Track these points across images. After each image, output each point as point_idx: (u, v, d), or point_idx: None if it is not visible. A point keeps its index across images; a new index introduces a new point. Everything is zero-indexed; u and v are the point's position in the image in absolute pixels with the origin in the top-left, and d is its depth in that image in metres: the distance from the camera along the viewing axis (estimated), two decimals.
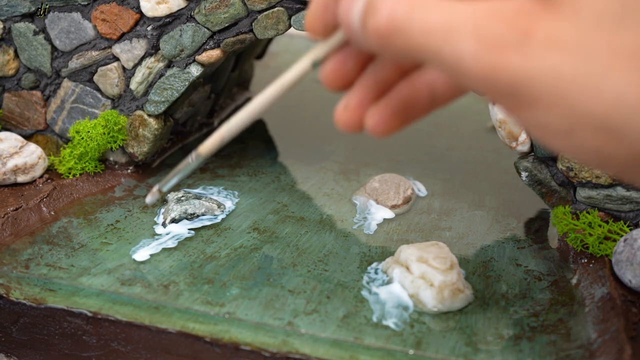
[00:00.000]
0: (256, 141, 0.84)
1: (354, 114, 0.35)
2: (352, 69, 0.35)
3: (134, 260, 0.58)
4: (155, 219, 0.65)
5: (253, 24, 0.65)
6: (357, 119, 0.35)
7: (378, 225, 0.65)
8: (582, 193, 0.60)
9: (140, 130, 0.70)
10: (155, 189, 0.52)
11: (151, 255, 0.59)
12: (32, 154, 0.67)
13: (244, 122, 0.40)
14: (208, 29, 0.66)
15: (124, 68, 0.69)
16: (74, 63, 0.70)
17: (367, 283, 0.55)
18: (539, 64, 0.26)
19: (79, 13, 0.68)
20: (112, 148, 0.70)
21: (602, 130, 0.26)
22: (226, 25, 0.65)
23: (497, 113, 0.61)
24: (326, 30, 0.34)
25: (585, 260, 0.58)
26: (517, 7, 0.27)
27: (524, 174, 0.62)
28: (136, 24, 0.67)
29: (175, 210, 0.64)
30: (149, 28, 0.67)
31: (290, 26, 0.64)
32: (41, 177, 0.68)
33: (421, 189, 0.72)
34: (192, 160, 0.50)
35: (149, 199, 0.56)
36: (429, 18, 0.28)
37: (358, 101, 0.35)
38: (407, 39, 0.28)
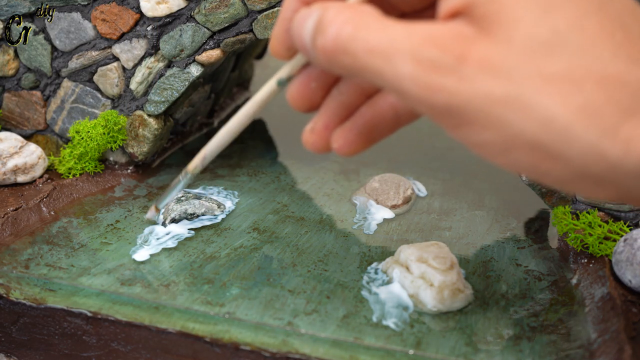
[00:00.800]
0: (256, 141, 0.84)
1: (321, 136, 0.37)
2: (316, 90, 0.36)
3: (134, 260, 0.58)
4: (155, 218, 0.65)
5: (253, 24, 0.65)
6: (323, 141, 0.37)
7: (378, 225, 0.65)
8: None
9: (140, 130, 0.70)
10: (152, 206, 0.53)
11: (151, 255, 0.59)
12: (32, 154, 0.67)
13: (223, 141, 0.43)
14: (208, 29, 0.66)
15: (123, 68, 0.69)
16: (74, 63, 0.70)
17: (367, 283, 0.55)
18: (472, 86, 0.27)
19: (79, 13, 0.68)
20: (112, 148, 0.70)
21: (535, 149, 0.27)
22: (226, 25, 0.65)
23: None
24: (289, 52, 0.35)
25: (585, 260, 0.58)
26: (453, 31, 0.28)
27: (524, 174, 0.62)
28: (136, 24, 0.67)
29: (175, 210, 0.64)
30: (149, 28, 0.67)
31: None
32: (41, 177, 0.68)
33: (421, 189, 0.72)
34: (182, 178, 0.51)
35: (149, 214, 0.57)
36: (370, 40, 0.29)
37: (324, 124, 0.36)
38: (352, 59, 0.29)
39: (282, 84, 0.37)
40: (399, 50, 0.28)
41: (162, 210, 0.66)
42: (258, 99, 0.38)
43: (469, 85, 0.27)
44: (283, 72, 0.36)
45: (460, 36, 0.28)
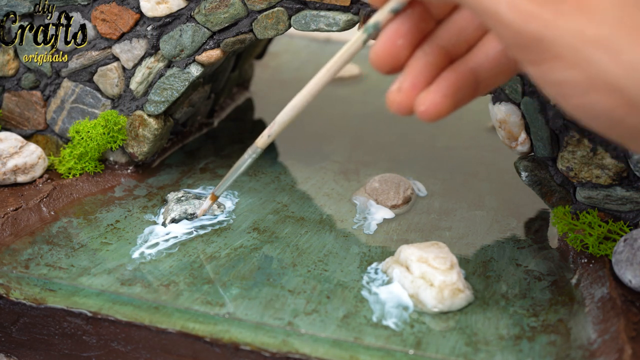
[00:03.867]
0: None
1: (408, 96, 0.36)
2: (401, 47, 0.36)
3: (134, 260, 0.58)
4: (155, 218, 0.65)
5: (253, 24, 0.65)
6: (409, 101, 0.36)
7: (378, 225, 0.65)
8: (582, 193, 0.60)
9: (140, 130, 0.70)
10: (209, 196, 0.51)
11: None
12: (32, 154, 0.67)
13: (300, 103, 0.43)
14: (208, 29, 0.66)
15: (123, 68, 0.69)
16: (74, 63, 0.70)
17: (367, 283, 0.56)
18: (567, 22, 0.28)
19: (79, 13, 0.68)
20: (112, 148, 0.70)
21: (616, 93, 0.28)
22: (226, 25, 0.65)
23: (497, 113, 0.61)
24: None
25: (585, 260, 0.58)
26: None
27: (524, 174, 0.62)
28: (136, 24, 0.67)
29: (175, 210, 0.64)
30: (148, 28, 0.67)
31: (290, 26, 0.64)
32: (41, 177, 0.68)
33: (421, 189, 0.72)
34: (247, 156, 0.50)
35: (205, 205, 0.55)
36: None
37: (411, 83, 0.36)
38: None
39: (369, 31, 0.37)
40: None
41: (162, 211, 0.66)
42: (343, 52, 0.38)
43: (563, 20, 0.28)
44: (372, 20, 0.36)
45: None
